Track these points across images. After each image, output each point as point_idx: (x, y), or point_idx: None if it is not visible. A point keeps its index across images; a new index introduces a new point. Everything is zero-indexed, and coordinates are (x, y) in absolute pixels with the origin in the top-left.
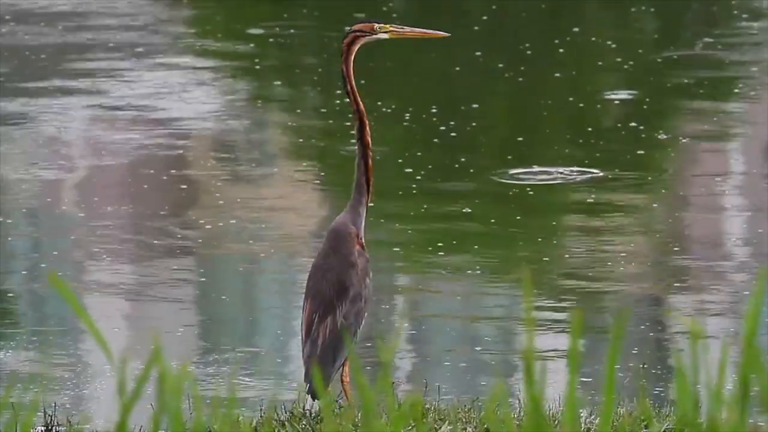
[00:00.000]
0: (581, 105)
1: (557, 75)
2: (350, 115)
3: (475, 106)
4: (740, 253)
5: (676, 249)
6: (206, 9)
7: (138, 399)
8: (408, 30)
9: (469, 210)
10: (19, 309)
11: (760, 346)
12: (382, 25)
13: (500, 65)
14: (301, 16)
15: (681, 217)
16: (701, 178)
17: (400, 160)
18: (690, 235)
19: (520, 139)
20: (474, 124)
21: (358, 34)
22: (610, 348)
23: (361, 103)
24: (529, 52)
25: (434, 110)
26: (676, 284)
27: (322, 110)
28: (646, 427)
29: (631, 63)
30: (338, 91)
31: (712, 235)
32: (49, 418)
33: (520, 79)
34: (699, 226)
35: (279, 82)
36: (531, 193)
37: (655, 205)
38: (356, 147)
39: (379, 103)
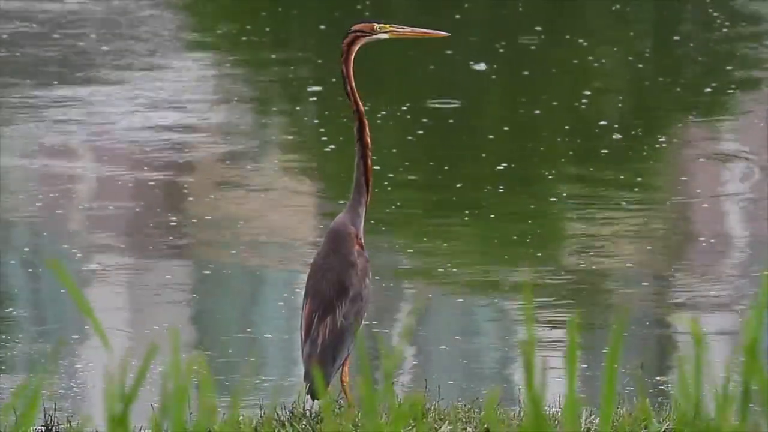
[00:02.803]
0: (555, 103)
1: (526, 73)
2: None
3: (442, 103)
4: (741, 253)
5: (675, 248)
6: (202, 9)
7: (139, 388)
8: (408, 30)
9: (457, 208)
10: (18, 308)
11: (760, 347)
12: (382, 25)
13: (471, 62)
14: (277, 15)
15: (676, 218)
16: (690, 177)
17: (374, 157)
18: (689, 235)
19: (491, 136)
20: (451, 121)
21: (358, 34)
22: (609, 348)
23: (360, 103)
24: (501, 51)
25: (405, 108)
26: (676, 283)
27: (320, 110)
28: (646, 427)
29: (603, 61)
30: (307, 87)
31: (711, 234)
32: (49, 418)
33: (493, 76)
34: (696, 225)
35: (277, 82)
36: (502, 191)
37: (647, 205)
38: (355, 147)
39: (337, 98)
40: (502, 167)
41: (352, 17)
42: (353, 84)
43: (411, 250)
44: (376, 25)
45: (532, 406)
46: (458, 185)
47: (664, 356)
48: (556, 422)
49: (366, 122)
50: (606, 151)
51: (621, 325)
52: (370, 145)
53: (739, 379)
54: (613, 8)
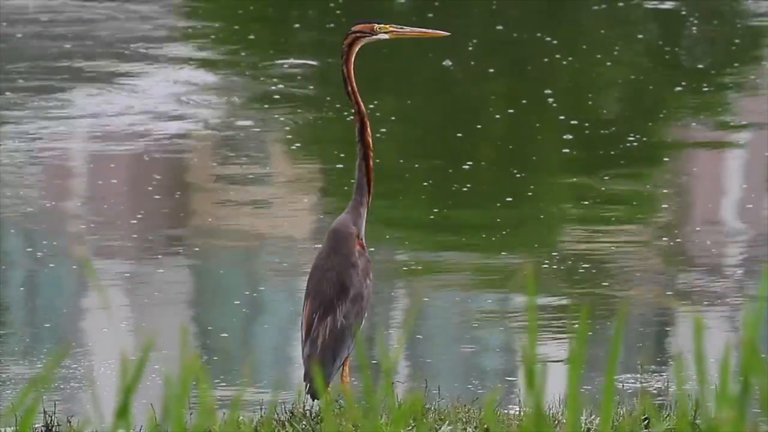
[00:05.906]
0: (524, 101)
1: (491, 71)
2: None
3: (409, 102)
4: (741, 252)
5: (675, 248)
6: (202, 11)
7: (139, 379)
8: (408, 30)
9: (425, 206)
10: (18, 309)
11: (760, 346)
12: (382, 25)
13: (441, 63)
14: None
15: (677, 215)
16: (683, 176)
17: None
18: (689, 233)
19: (460, 134)
20: (432, 119)
21: (358, 35)
22: (611, 347)
23: (362, 104)
24: (470, 49)
25: (372, 106)
26: (676, 283)
27: (321, 111)
28: (647, 426)
29: (570, 59)
30: (293, 88)
31: (706, 232)
32: (49, 418)
33: (458, 70)
34: (696, 225)
35: (277, 83)
36: (467, 190)
37: (646, 205)
38: (357, 148)
39: (328, 98)
40: (467, 166)
41: (326, 15)
42: (354, 85)
43: (408, 250)
44: (376, 26)
45: (532, 406)
46: (425, 183)
47: (664, 356)
48: (556, 422)
49: (367, 123)
50: (630, 151)
51: (621, 324)
52: (371, 146)
53: (738, 377)
54: (596, 7)
